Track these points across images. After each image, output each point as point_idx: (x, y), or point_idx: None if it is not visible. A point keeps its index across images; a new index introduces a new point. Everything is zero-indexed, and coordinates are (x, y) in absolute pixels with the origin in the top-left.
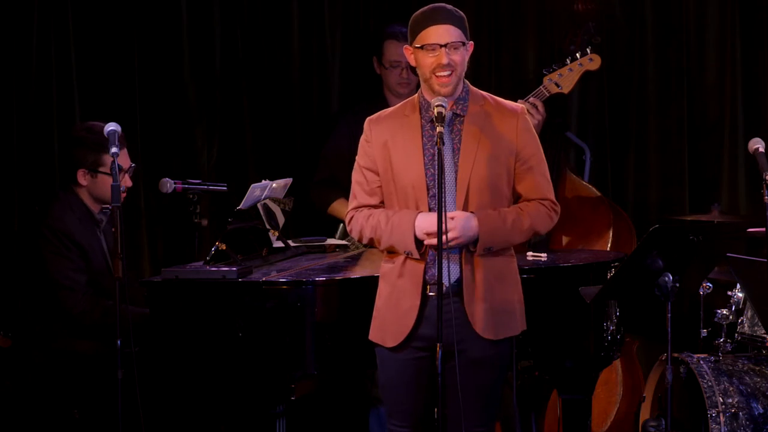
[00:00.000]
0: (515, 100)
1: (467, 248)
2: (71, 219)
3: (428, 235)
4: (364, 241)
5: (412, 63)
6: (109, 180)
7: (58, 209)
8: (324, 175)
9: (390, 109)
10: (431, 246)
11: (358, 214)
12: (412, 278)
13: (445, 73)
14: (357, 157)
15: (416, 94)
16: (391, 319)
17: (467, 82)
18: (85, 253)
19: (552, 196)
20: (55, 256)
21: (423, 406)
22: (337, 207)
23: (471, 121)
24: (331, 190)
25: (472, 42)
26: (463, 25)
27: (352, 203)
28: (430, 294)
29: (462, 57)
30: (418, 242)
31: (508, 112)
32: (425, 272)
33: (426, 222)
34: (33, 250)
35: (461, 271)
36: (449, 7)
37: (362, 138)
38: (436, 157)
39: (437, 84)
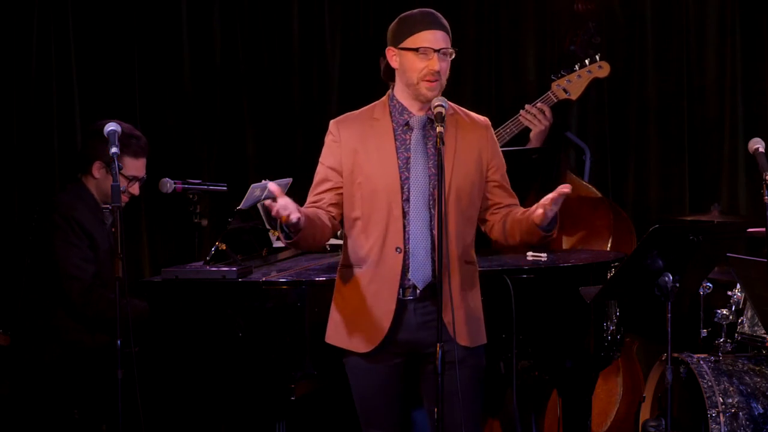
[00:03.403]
0: (518, 104)
1: (448, 276)
2: (82, 208)
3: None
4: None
5: (394, 65)
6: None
7: (69, 198)
8: None
9: (357, 112)
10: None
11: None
12: (386, 283)
13: (434, 79)
14: (322, 157)
15: (385, 96)
16: (363, 325)
17: None
18: (94, 243)
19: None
20: (64, 244)
21: (401, 412)
22: None
23: (446, 128)
24: None
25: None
26: (450, 32)
27: (307, 200)
28: (408, 298)
29: (448, 65)
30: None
31: (478, 123)
32: (402, 277)
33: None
34: (41, 240)
35: (433, 276)
36: (437, 13)
37: (329, 138)
38: (410, 161)
39: (425, 88)
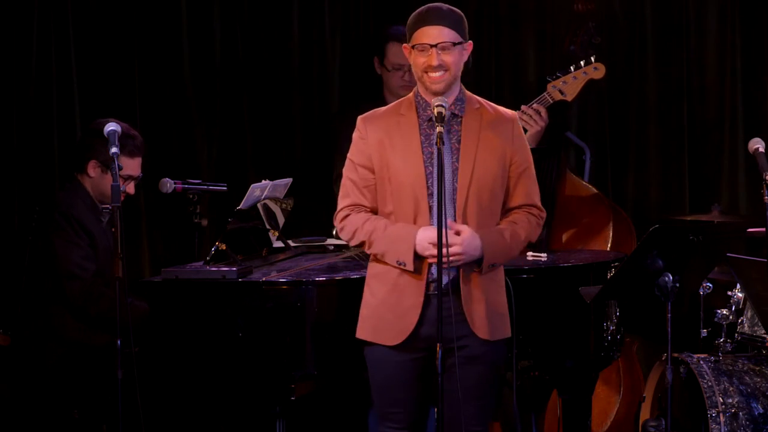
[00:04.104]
0: (517, 104)
1: (470, 269)
2: (81, 206)
3: (434, 245)
4: (353, 243)
5: (410, 62)
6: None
7: (68, 197)
8: (341, 168)
9: (384, 108)
10: (432, 259)
11: (354, 215)
12: (413, 277)
13: (437, 73)
14: (349, 154)
15: (411, 93)
16: (391, 317)
17: (462, 85)
18: (93, 242)
19: (540, 202)
20: (66, 243)
21: (419, 406)
22: None
23: (469, 123)
24: None
25: (470, 42)
26: (458, 26)
27: (345, 201)
28: (434, 293)
29: (455, 57)
30: (416, 256)
31: (504, 118)
32: (429, 271)
33: (429, 234)
34: (42, 239)
35: (458, 270)
36: (445, 7)
37: (356, 135)
38: (434, 156)
39: (428, 81)
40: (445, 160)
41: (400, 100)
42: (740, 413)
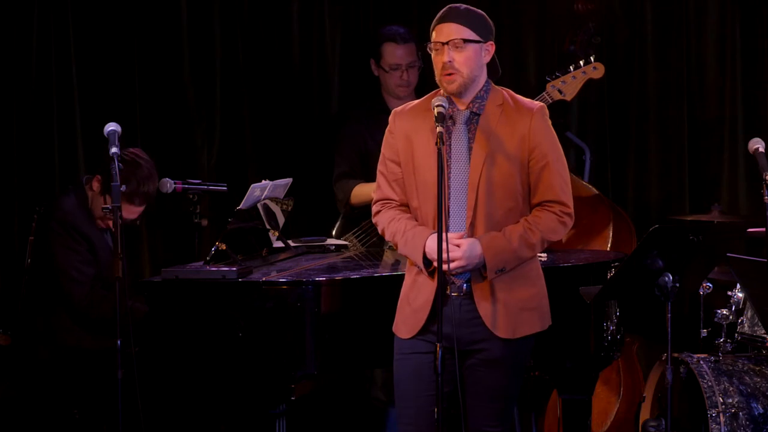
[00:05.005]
0: None
1: (479, 272)
2: (80, 213)
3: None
4: (386, 239)
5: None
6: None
7: (67, 203)
8: (342, 169)
9: (416, 102)
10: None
11: (385, 211)
12: (429, 276)
13: (448, 72)
14: (382, 148)
15: (441, 89)
16: (408, 312)
17: (490, 81)
18: (92, 247)
19: (566, 198)
20: (64, 249)
21: (428, 404)
22: (357, 191)
23: (486, 120)
24: (351, 182)
25: (491, 42)
26: (474, 24)
27: (377, 194)
28: (451, 294)
29: (467, 56)
30: (427, 261)
31: (523, 110)
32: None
33: (434, 245)
34: (41, 244)
35: (471, 272)
36: (463, 6)
37: (387, 129)
38: (452, 155)
39: (444, 83)
40: (461, 160)
41: (432, 93)
42: (740, 413)
